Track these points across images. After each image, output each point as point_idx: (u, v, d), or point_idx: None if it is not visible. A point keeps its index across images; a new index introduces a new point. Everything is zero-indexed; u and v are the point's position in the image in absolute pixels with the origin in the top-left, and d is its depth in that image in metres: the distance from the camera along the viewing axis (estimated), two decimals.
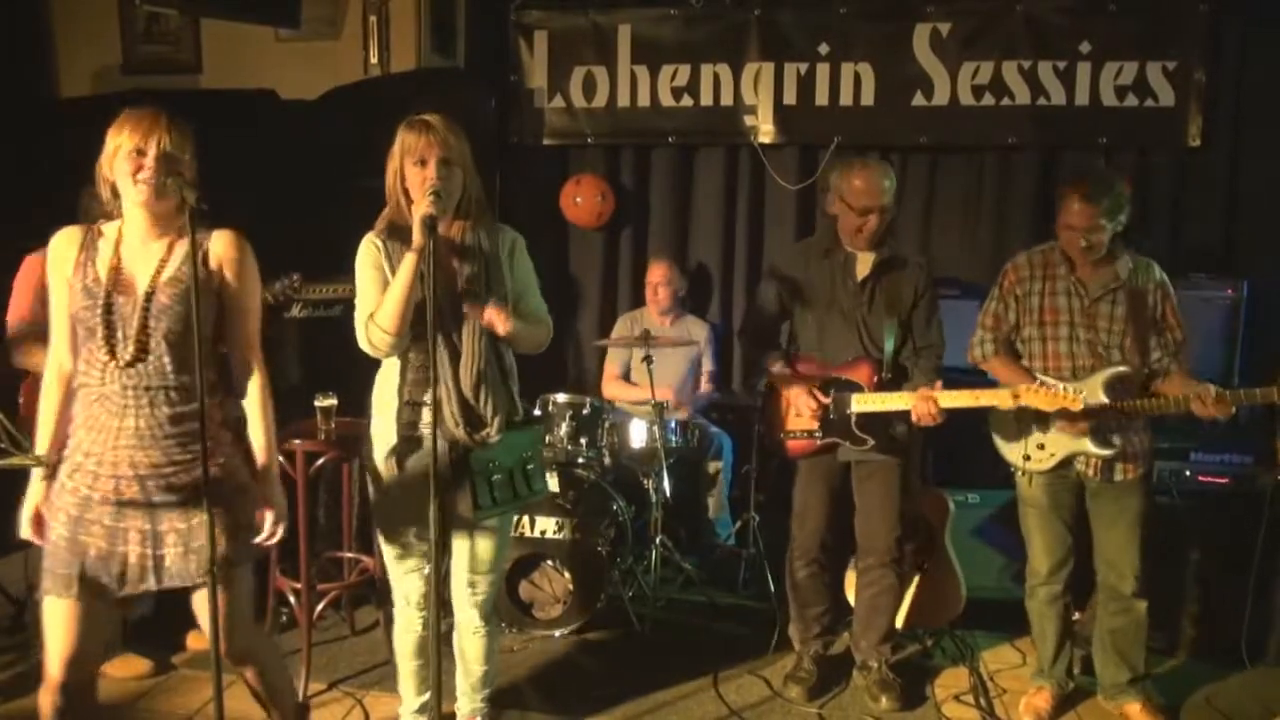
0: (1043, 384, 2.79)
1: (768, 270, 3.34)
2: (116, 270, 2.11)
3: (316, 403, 3.25)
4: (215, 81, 4.83)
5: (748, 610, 3.89)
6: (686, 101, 4.75)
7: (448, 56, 4.80)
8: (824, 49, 4.58)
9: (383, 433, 2.48)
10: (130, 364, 2.08)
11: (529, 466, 2.58)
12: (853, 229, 3.01)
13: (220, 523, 2.13)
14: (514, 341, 2.53)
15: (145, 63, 4.91)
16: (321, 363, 3.38)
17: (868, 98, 4.57)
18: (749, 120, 4.70)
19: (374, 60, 4.58)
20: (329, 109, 4.50)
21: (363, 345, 2.41)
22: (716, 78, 4.71)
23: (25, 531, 2.14)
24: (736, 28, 4.66)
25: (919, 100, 4.52)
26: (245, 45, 4.72)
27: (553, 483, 3.76)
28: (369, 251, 2.44)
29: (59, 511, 2.11)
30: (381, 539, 2.58)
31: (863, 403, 3.00)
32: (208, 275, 2.17)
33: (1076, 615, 3.21)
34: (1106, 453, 2.84)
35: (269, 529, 2.24)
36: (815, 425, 3.06)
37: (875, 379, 3.01)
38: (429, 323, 2.12)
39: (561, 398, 4.01)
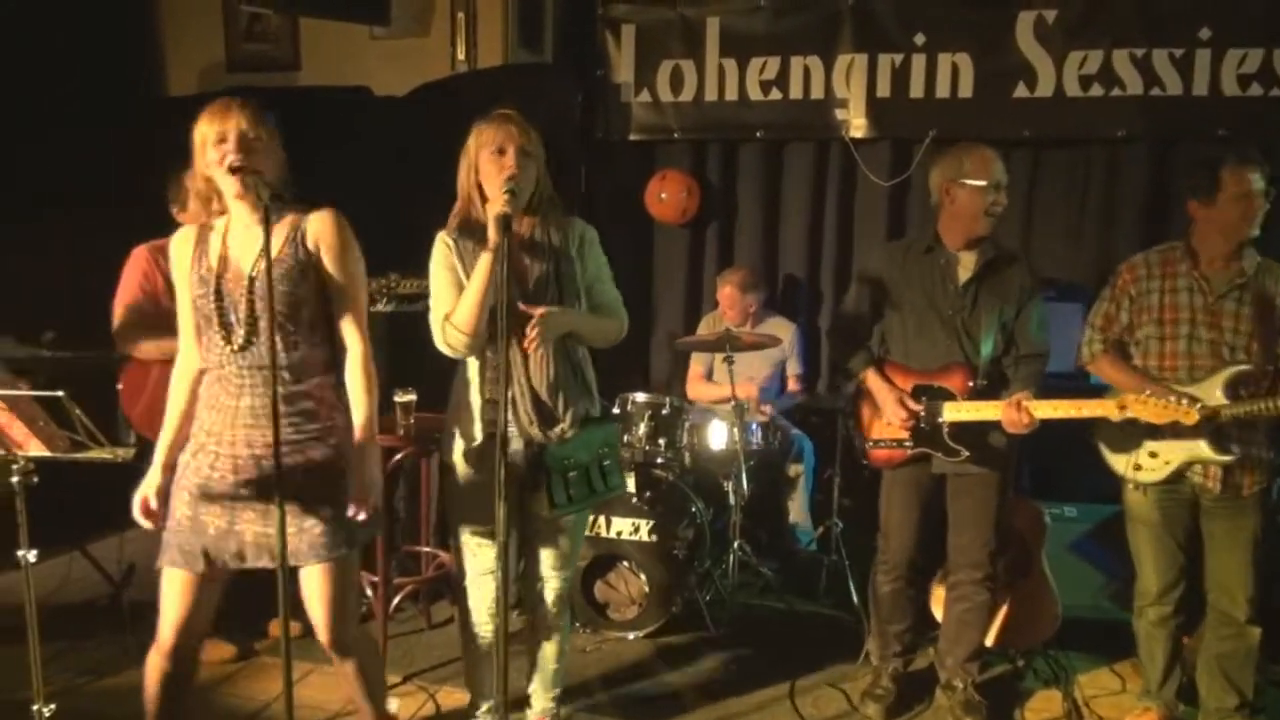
0: (1152, 394, 2.62)
1: (861, 269, 3.21)
2: (225, 258, 2.19)
3: (396, 398, 3.28)
4: (313, 79, 4.95)
5: (828, 619, 3.79)
6: (775, 95, 4.65)
7: (535, 52, 4.81)
8: (920, 39, 4.42)
9: (463, 431, 2.47)
10: (243, 347, 2.15)
11: (605, 463, 2.55)
12: (976, 211, 2.82)
13: (330, 505, 2.18)
14: (579, 337, 2.50)
15: (247, 61, 5.06)
16: (403, 358, 3.41)
17: (965, 89, 4.39)
18: (840, 114, 4.58)
19: (461, 56, 4.62)
20: (417, 105, 4.55)
21: (440, 345, 2.41)
22: (807, 70, 4.59)
23: (135, 513, 2.21)
24: (828, 19, 4.53)
25: (1021, 92, 4.32)
26: (341, 43, 4.82)
27: (630, 483, 3.73)
28: (441, 251, 2.43)
29: (183, 490, 2.19)
30: (457, 538, 2.58)
31: (955, 411, 2.85)
32: (307, 255, 2.21)
33: (1184, 639, 3.01)
34: (1225, 459, 2.65)
35: (356, 506, 2.22)
36: (905, 434, 2.92)
37: (969, 386, 2.86)
38: (499, 321, 2.09)
39: (641, 397, 3.97)
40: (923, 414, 2.87)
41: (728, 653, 3.50)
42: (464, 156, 2.41)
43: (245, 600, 3.21)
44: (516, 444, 2.42)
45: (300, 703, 2.85)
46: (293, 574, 2.25)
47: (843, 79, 4.54)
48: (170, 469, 2.21)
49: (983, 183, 2.81)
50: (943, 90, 4.42)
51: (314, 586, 2.24)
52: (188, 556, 2.18)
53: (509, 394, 2.30)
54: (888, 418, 2.91)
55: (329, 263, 2.22)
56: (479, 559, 2.55)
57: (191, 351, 2.25)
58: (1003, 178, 2.85)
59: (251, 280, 2.16)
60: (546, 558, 2.57)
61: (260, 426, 2.15)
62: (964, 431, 2.85)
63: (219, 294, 2.16)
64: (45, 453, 1.85)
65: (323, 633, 2.29)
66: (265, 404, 2.12)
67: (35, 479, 1.94)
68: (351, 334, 2.26)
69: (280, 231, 2.19)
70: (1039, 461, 3.65)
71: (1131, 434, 2.77)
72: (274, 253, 2.16)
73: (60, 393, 1.76)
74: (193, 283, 2.20)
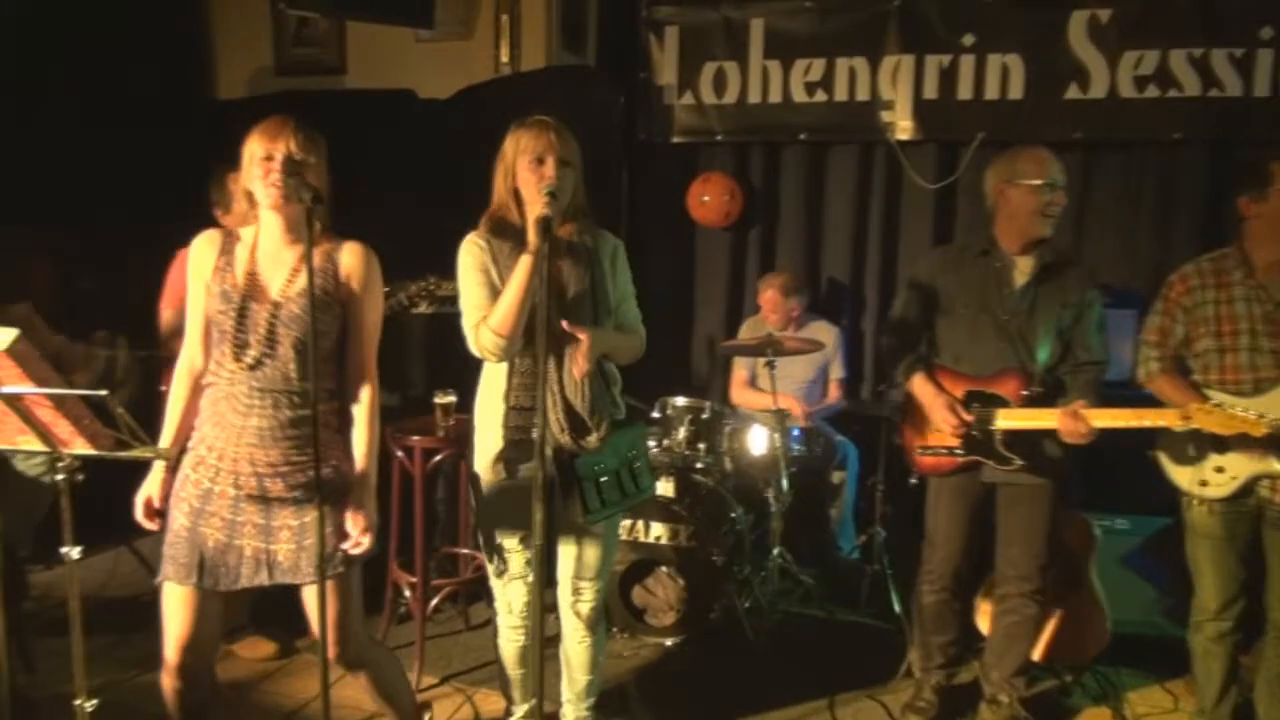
0: (1219, 405, 2.53)
1: (911, 274, 3.15)
2: (252, 276, 2.18)
3: (436, 399, 3.29)
4: (359, 82, 4.98)
5: (869, 629, 3.73)
6: (820, 97, 4.60)
7: (578, 54, 4.80)
8: (969, 40, 4.34)
9: (488, 437, 2.45)
10: (255, 367, 2.14)
11: (635, 465, 2.53)
12: (1032, 212, 2.75)
13: (330, 522, 2.16)
14: (610, 357, 2.49)
15: (295, 65, 5.11)
16: (443, 360, 3.42)
17: (1016, 91, 4.31)
18: (886, 116, 4.51)
19: (504, 59, 4.63)
20: (460, 108, 4.57)
21: (473, 349, 2.39)
22: (852, 72, 4.53)
23: (138, 515, 2.23)
24: (875, 20, 4.47)
25: (1073, 93, 4.23)
26: (387, 47, 4.85)
27: (669, 488, 3.70)
28: (473, 252, 2.40)
29: (182, 501, 2.19)
30: (485, 545, 2.56)
31: (1008, 419, 2.77)
32: (335, 287, 2.22)
33: (1241, 657, 2.91)
34: None
35: (356, 537, 2.22)
36: (955, 442, 2.85)
37: (1024, 393, 2.79)
38: (539, 327, 2.07)
39: (681, 401, 3.94)
40: (974, 421, 2.80)
41: (766, 661, 3.46)
42: (500, 160, 2.39)
43: (287, 598, 3.25)
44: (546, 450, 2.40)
45: (338, 702, 2.87)
46: (295, 591, 2.26)
47: (889, 80, 4.48)
48: (173, 470, 2.21)
49: (1038, 182, 2.74)
50: (992, 91, 4.34)
51: (316, 603, 2.20)
52: (184, 569, 2.16)
53: (540, 400, 2.29)
54: (937, 424, 2.84)
55: (356, 298, 2.24)
56: (508, 565, 2.54)
57: (196, 352, 2.24)
58: (1059, 178, 2.77)
59: (277, 305, 2.16)
60: (578, 567, 2.54)
61: (264, 447, 2.15)
62: (1017, 440, 2.77)
63: (241, 313, 2.15)
64: (90, 451, 1.87)
65: (330, 648, 2.27)
66: (272, 425, 2.15)
67: (80, 476, 1.96)
68: (366, 368, 2.28)
69: (321, 262, 2.19)
70: (1087, 471, 3.56)
71: (1197, 447, 2.68)
72: (302, 282, 2.15)
73: (104, 392, 1.78)
74: (214, 294, 2.18)
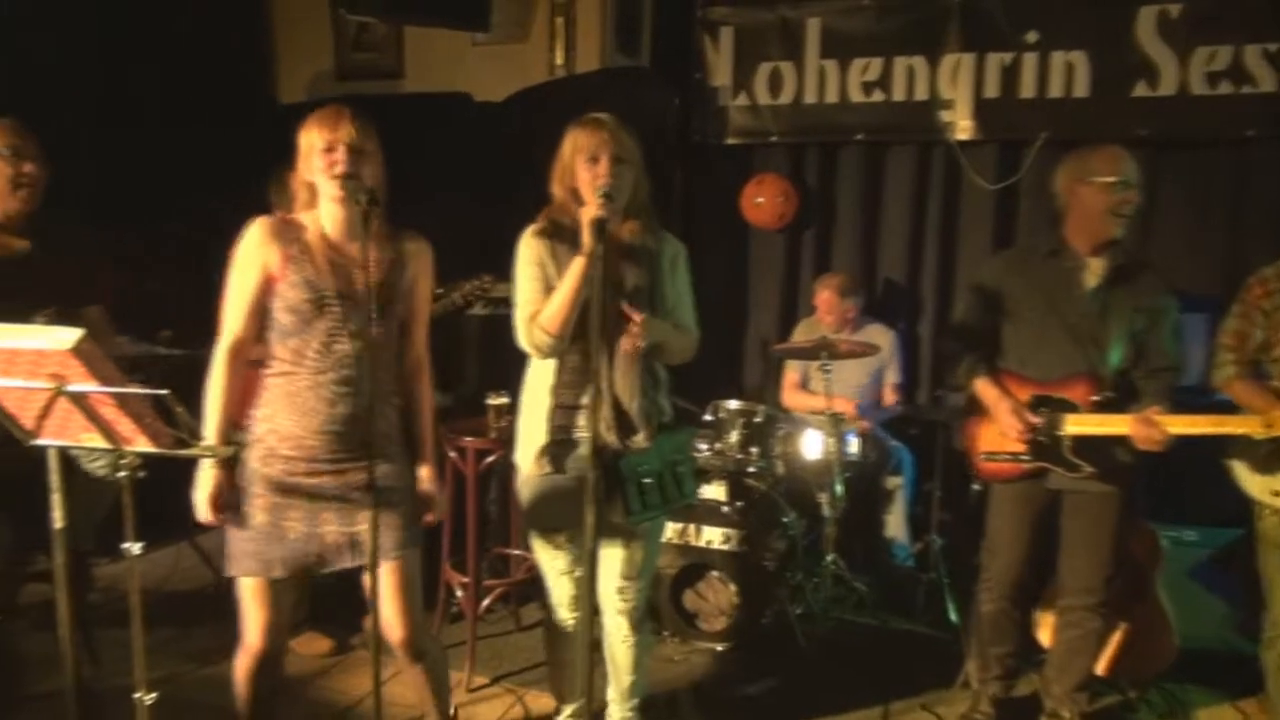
0: None
1: (975, 276, 3.08)
2: (333, 266, 2.20)
3: (489, 400, 3.30)
4: (416, 86, 5.05)
5: (924, 638, 3.65)
6: (877, 97, 4.53)
7: (632, 56, 4.80)
8: (1032, 37, 4.25)
9: (532, 434, 2.45)
10: (337, 356, 2.18)
11: (679, 469, 2.51)
12: (1103, 210, 2.67)
13: (399, 509, 2.26)
14: (661, 353, 2.47)
15: (355, 69, 5.20)
16: (496, 361, 3.44)
17: (1080, 88, 4.20)
18: (945, 115, 4.43)
19: (559, 61, 4.64)
20: (514, 110, 4.59)
21: (523, 344, 2.40)
22: (911, 71, 4.46)
23: (204, 515, 2.22)
24: (935, 18, 4.40)
25: (1141, 90, 4.11)
26: (444, 51, 4.91)
27: (721, 492, 3.67)
28: (531, 248, 2.41)
29: (257, 497, 2.21)
30: (531, 541, 2.58)
31: (1077, 424, 2.69)
32: (401, 278, 2.27)
33: None
34: None
35: (431, 491, 2.38)
36: (1021, 447, 2.77)
37: (1094, 398, 2.71)
38: (593, 328, 2.06)
39: (733, 404, 3.90)
40: (1042, 426, 2.73)
41: (819, 669, 3.41)
42: (558, 160, 2.40)
43: (343, 595, 3.30)
44: (586, 448, 2.39)
45: (390, 700, 2.89)
46: (353, 587, 2.34)
47: (948, 79, 4.40)
48: (227, 464, 2.22)
49: (1111, 179, 2.65)
50: (1056, 89, 4.23)
51: (390, 583, 2.28)
52: (267, 564, 2.21)
53: (584, 399, 2.28)
54: (1002, 428, 2.77)
55: (419, 292, 2.33)
56: (555, 562, 2.55)
57: (242, 335, 2.23)
58: (1132, 176, 2.68)
59: (356, 295, 2.19)
60: (621, 567, 2.53)
61: (348, 433, 2.20)
62: (1086, 446, 2.69)
63: (332, 304, 2.17)
64: (151, 448, 1.91)
65: (398, 630, 2.32)
66: (352, 413, 2.19)
67: (141, 474, 2.00)
68: (422, 356, 2.38)
69: (384, 253, 2.24)
70: (1153, 480, 3.44)
71: (1272, 455, 2.58)
72: (380, 275, 2.21)
73: (164, 391, 1.81)
74: (294, 283, 2.17)
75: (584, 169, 2.33)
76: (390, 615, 2.31)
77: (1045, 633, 3.13)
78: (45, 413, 1.85)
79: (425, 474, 2.37)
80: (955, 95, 4.40)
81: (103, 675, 3.05)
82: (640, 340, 2.32)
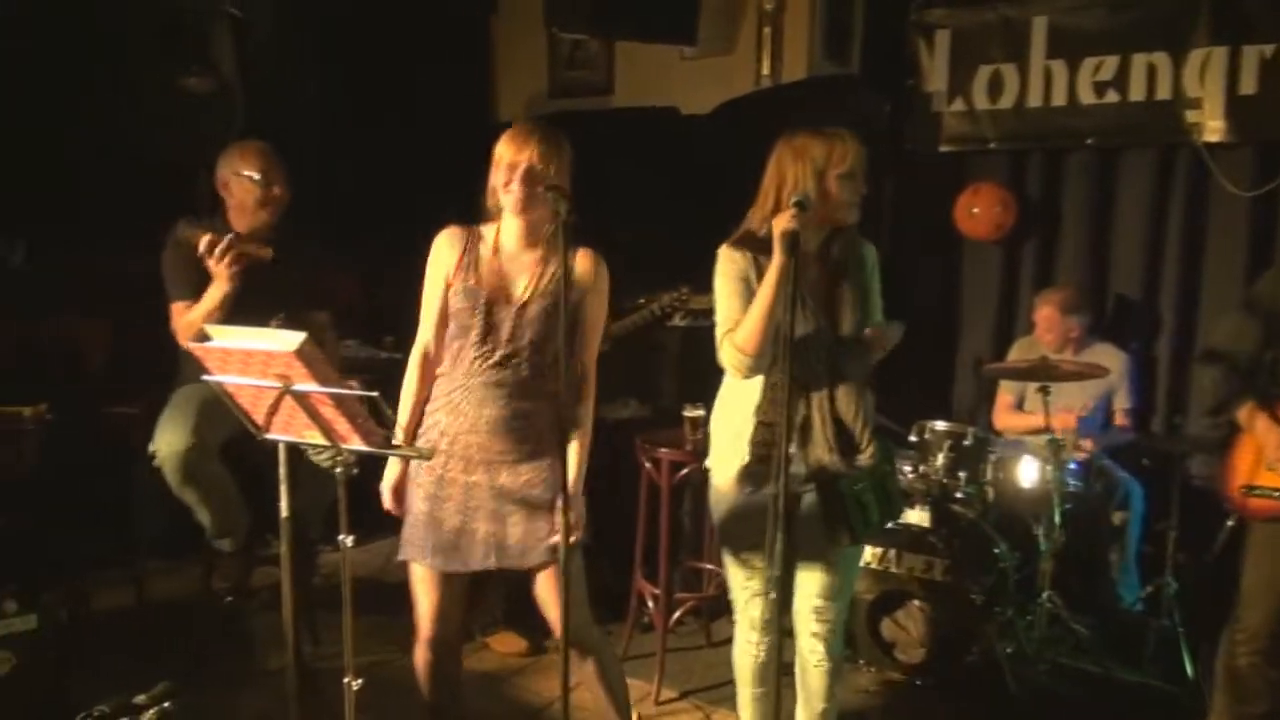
0: None
1: (1250, 294, 2.78)
2: (496, 275, 2.28)
3: (685, 412, 3.29)
4: (625, 101, 5.15)
5: (1154, 691, 3.31)
6: (1111, 98, 4.19)
7: (841, 63, 4.69)
8: None
9: (730, 451, 2.39)
10: (495, 362, 2.25)
11: (887, 484, 2.41)
12: None
13: (547, 514, 2.28)
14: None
15: (568, 87, 5.37)
16: (693, 373, 3.42)
17: None
18: (1191, 116, 4.03)
19: (765, 71, 4.60)
20: (719, 122, 4.59)
21: (722, 362, 2.35)
22: (1151, 69, 4.09)
23: (387, 503, 2.39)
24: (1181, 9, 4.01)
25: None
26: (652, 65, 4.98)
27: (924, 517, 3.48)
28: (734, 261, 2.33)
29: (419, 487, 2.33)
30: (726, 560, 2.52)
31: None
32: (574, 293, 2.27)
33: None
34: None
35: (557, 527, 2.27)
36: None
37: None
38: (782, 344, 2.00)
39: (940, 425, 3.70)
40: None
41: (1029, 715, 3.17)
42: (778, 163, 2.30)
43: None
44: (797, 468, 2.31)
45: (579, 704, 2.92)
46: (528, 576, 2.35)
47: (1196, 76, 4.00)
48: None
49: None
50: None
51: (549, 585, 2.32)
52: (423, 550, 2.31)
53: (796, 418, 2.21)
54: (1272, 461, 2.50)
55: (584, 302, 2.32)
56: (750, 582, 2.48)
57: (430, 342, 2.34)
58: None
59: (520, 305, 2.25)
60: (820, 589, 2.43)
61: (497, 435, 2.25)
62: None
63: (487, 311, 2.24)
64: (363, 447, 2.03)
65: (557, 630, 2.34)
66: (504, 416, 2.25)
67: (355, 470, 2.14)
68: (587, 370, 2.37)
69: (553, 262, 2.26)
70: None
71: None
72: (544, 284, 2.26)
73: (375, 393, 1.92)
74: (458, 290, 2.28)
75: (834, 183, 2.27)
76: (551, 618, 2.37)
77: None
78: (274, 410, 2.00)
79: (568, 483, 2.31)
80: (1204, 93, 3.99)
81: (321, 655, 3.28)
82: (882, 347, 2.27)
